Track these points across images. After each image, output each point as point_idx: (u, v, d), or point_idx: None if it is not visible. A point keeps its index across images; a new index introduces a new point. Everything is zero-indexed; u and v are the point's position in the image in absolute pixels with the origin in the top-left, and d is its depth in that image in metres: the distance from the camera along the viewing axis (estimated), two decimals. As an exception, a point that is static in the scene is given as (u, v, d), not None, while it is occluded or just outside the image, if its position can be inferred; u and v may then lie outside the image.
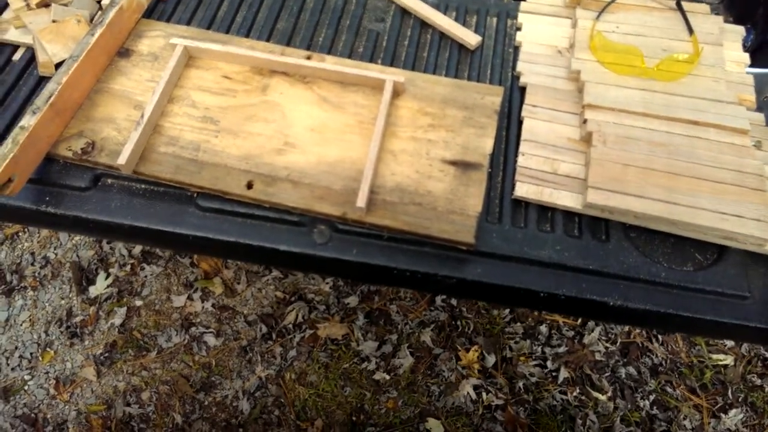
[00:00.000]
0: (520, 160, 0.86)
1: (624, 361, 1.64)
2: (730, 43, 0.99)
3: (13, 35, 1.01)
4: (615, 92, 0.90)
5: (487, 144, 0.87)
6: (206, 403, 1.61)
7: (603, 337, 1.68)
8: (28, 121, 0.82)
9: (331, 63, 0.95)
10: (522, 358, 1.63)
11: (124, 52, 0.97)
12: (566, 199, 0.82)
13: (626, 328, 1.70)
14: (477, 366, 1.61)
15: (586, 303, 0.77)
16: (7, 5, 1.04)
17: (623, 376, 1.62)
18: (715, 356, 1.65)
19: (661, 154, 0.84)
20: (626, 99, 0.89)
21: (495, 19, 1.06)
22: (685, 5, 1.01)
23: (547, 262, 0.79)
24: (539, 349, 1.65)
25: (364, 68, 0.94)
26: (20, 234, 1.91)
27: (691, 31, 0.97)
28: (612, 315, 0.78)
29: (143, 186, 0.87)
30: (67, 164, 0.88)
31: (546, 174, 0.85)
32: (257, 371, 1.64)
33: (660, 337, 1.68)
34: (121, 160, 0.82)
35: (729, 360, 1.64)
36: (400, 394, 1.59)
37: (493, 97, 0.92)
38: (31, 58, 1.00)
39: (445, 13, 1.05)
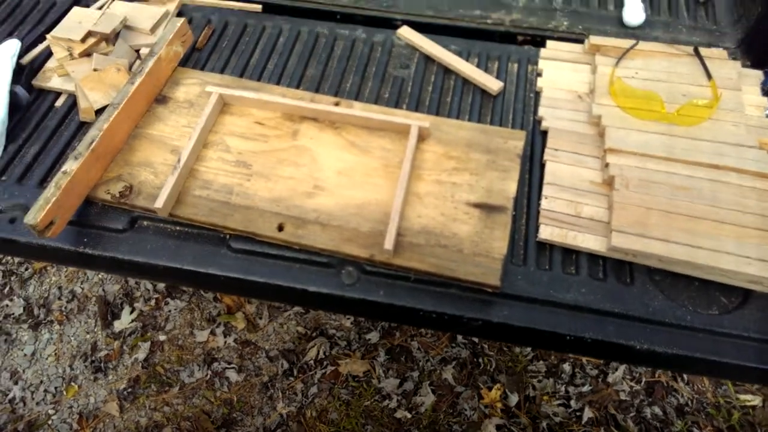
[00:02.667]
0: (544, 203, 0.88)
1: (649, 401, 1.62)
2: (748, 87, 1.01)
3: (56, 83, 1.06)
4: (636, 137, 0.92)
5: (511, 187, 0.89)
6: (227, 439, 1.61)
7: (627, 376, 1.66)
8: (70, 166, 0.86)
9: (358, 109, 0.98)
10: (545, 398, 1.62)
11: (161, 99, 1.02)
12: (590, 242, 0.84)
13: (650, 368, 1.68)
14: (499, 405, 1.60)
15: (613, 346, 0.77)
16: (51, 55, 1.10)
17: (648, 416, 1.59)
18: (742, 397, 1.62)
19: (684, 197, 0.85)
20: (647, 143, 0.91)
21: (516, 65, 1.09)
22: (703, 51, 1.03)
23: (573, 305, 0.80)
24: (563, 388, 1.64)
25: (390, 114, 0.98)
26: (48, 268, 1.96)
27: (709, 76, 1.00)
28: (638, 358, 0.78)
29: (178, 228, 0.90)
30: (105, 207, 0.92)
31: (569, 217, 0.86)
32: (278, 408, 1.65)
33: (686, 376, 1.66)
34: (158, 203, 0.86)
35: (757, 401, 1.61)
36: (421, 433, 1.58)
37: (515, 141, 0.94)
38: (72, 105, 1.05)
39: (467, 60, 1.09)
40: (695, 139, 0.92)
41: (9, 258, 1.99)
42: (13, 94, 1.01)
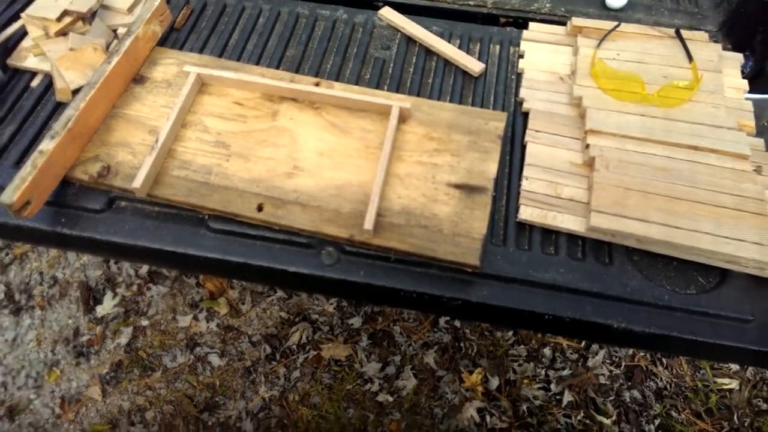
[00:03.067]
0: (524, 184, 0.88)
1: (628, 385, 1.64)
2: (729, 69, 1.01)
3: (31, 62, 1.04)
4: (616, 118, 0.93)
5: (492, 168, 0.89)
6: (210, 423, 1.61)
7: (607, 360, 1.68)
8: (46, 145, 0.85)
9: (339, 89, 0.98)
10: (526, 381, 1.63)
11: (139, 79, 1.00)
12: (570, 223, 0.84)
13: (630, 352, 1.70)
14: (480, 388, 1.61)
15: (590, 326, 0.78)
16: (26, 34, 1.08)
17: (628, 399, 1.61)
18: (720, 380, 1.65)
19: (662, 178, 0.86)
20: (627, 125, 0.92)
21: (498, 47, 1.09)
22: (685, 33, 1.04)
23: (552, 285, 0.80)
24: (543, 372, 1.65)
25: (371, 94, 0.97)
26: (29, 254, 1.93)
27: (690, 58, 1.00)
28: (616, 338, 0.79)
29: (156, 208, 0.89)
30: (82, 187, 0.90)
31: (549, 198, 0.87)
32: (261, 392, 1.64)
33: (664, 360, 1.68)
34: (136, 183, 0.84)
35: (734, 384, 1.64)
36: (403, 416, 1.59)
37: (496, 122, 0.94)
38: (48, 85, 1.03)
39: (449, 41, 1.08)
40: (675, 121, 0.92)
41: (-12, 243, 1.96)
42: (-14, 73, 0.99)
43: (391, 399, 1.61)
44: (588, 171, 0.89)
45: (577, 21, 1.06)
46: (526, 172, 0.90)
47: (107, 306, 1.81)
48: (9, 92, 1.02)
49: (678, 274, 0.81)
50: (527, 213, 0.85)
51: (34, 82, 1.04)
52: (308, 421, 1.60)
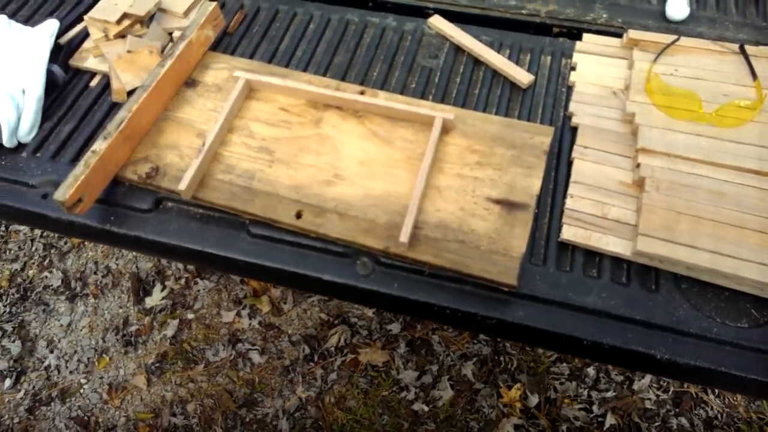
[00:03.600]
0: (569, 203, 0.85)
1: (676, 412, 1.57)
2: (797, 89, 0.95)
3: (91, 63, 1.09)
4: (671, 137, 0.88)
5: (535, 184, 0.86)
6: (247, 419, 1.64)
7: (654, 385, 1.61)
8: (99, 145, 0.88)
9: (383, 98, 0.97)
10: (567, 401, 1.59)
11: (190, 83, 1.03)
12: (615, 245, 0.81)
13: (680, 376, 1.62)
14: (519, 405, 1.58)
15: (632, 354, 0.75)
16: (88, 35, 1.13)
17: (674, 427, 1.54)
18: (777, 413, 1.55)
19: (720, 203, 0.81)
20: (683, 144, 0.87)
21: (549, 58, 1.06)
22: (749, 49, 0.98)
23: (592, 309, 0.77)
24: (585, 392, 1.60)
25: (415, 104, 0.96)
26: (86, 243, 2.03)
27: (754, 76, 0.94)
28: (659, 368, 0.75)
29: (200, 211, 0.91)
30: (132, 187, 0.93)
31: (595, 218, 0.83)
32: (298, 392, 1.67)
33: (716, 389, 1.60)
34: (182, 185, 0.87)
35: (793, 419, 1.54)
36: (438, 427, 1.57)
37: (542, 137, 0.91)
38: (106, 85, 1.07)
39: (499, 51, 1.06)
40: (735, 142, 0.87)
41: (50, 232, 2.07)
42: (50, 73, 1.04)
43: (426, 409, 1.60)
44: (637, 192, 0.85)
45: (633, 33, 1.02)
46: (571, 189, 0.87)
47: (156, 298, 1.88)
48: (69, 91, 1.07)
49: (729, 306, 0.76)
50: (570, 233, 0.82)
51: (93, 83, 1.08)
52: (342, 424, 1.61)
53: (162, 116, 0.99)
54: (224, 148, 0.94)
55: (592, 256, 0.82)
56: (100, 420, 1.69)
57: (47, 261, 2.01)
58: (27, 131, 1.00)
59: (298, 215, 0.86)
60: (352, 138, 0.94)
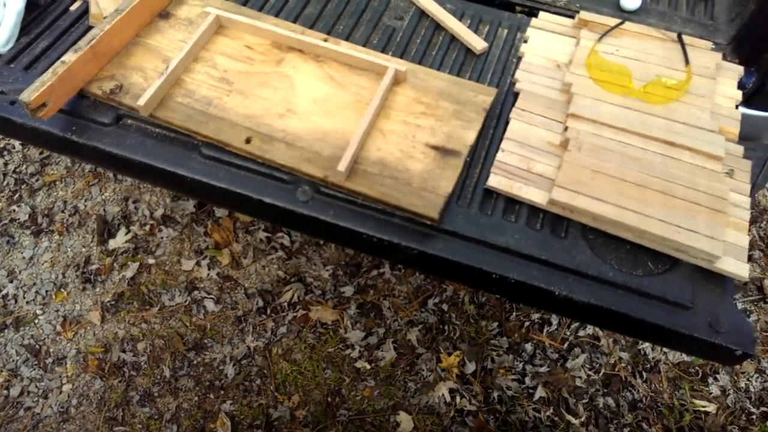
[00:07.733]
0: (499, 156, 0.92)
1: (604, 392, 1.65)
2: (725, 79, 1.03)
3: (73, -12, 1.14)
4: (600, 107, 0.96)
5: (470, 136, 0.93)
6: (195, 362, 1.69)
7: (587, 365, 1.69)
8: (69, 57, 0.93)
9: (344, 47, 1.03)
10: (502, 371, 1.66)
11: (164, 15, 1.09)
12: (533, 195, 0.88)
13: (611, 361, 1.70)
14: (456, 371, 1.65)
15: (534, 290, 0.82)
16: (74, -37, 1.17)
17: (600, 405, 1.62)
18: (698, 402, 1.64)
19: (633, 167, 0.88)
20: (610, 114, 0.95)
21: (506, 31, 1.13)
22: (687, 39, 1.06)
23: (504, 248, 0.84)
24: (521, 365, 1.68)
25: (373, 56, 1.02)
26: (57, 182, 2.06)
27: (687, 62, 1.02)
28: (557, 305, 0.82)
29: (157, 130, 0.96)
30: (95, 101, 0.99)
31: (520, 170, 0.90)
32: (247, 341, 1.72)
33: (644, 374, 1.68)
34: (141, 101, 0.92)
35: (711, 408, 1.63)
36: (377, 384, 1.64)
37: (485, 96, 0.98)
38: (85, 11, 1.12)
39: (460, 20, 1.13)
40: (656, 116, 0.95)
41: (23, 167, 2.10)
42: (31, -8, 1.09)
43: (368, 367, 1.67)
44: (562, 151, 0.92)
45: (584, 14, 1.09)
46: (503, 145, 0.94)
47: (119, 240, 1.92)
48: (50, 12, 1.12)
49: (628, 257, 0.84)
50: (495, 181, 0.89)
51: (73, 7, 1.13)
52: (287, 374, 1.66)
53: (133, 41, 1.04)
54: (187, 75, 1.00)
55: (513, 203, 0.89)
56: (51, 350, 1.73)
57: (17, 195, 2.04)
58: (4, 42, 1.05)
59: (248, 140, 0.92)
60: (309, 78, 1.00)
